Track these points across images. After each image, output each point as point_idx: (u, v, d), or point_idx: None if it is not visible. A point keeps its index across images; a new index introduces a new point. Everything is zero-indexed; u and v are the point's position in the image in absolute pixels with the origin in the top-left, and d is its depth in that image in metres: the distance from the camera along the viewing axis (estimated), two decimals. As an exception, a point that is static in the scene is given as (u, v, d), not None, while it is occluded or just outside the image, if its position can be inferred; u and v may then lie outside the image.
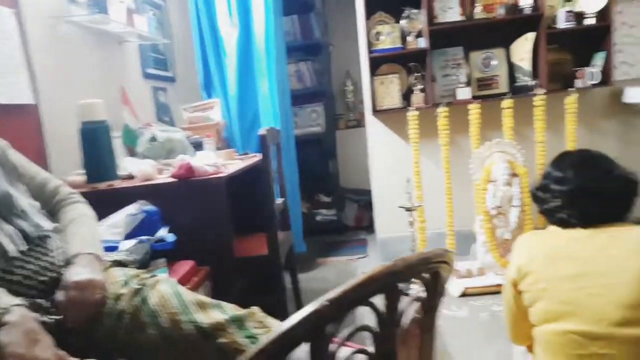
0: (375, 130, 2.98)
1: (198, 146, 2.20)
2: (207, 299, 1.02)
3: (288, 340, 0.51)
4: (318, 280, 2.91)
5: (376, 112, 2.77)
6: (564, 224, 1.27)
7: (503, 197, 2.47)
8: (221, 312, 0.99)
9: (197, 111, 2.52)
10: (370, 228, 3.23)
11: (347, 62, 3.94)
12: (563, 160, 1.35)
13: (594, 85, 2.59)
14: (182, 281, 1.38)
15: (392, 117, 2.89)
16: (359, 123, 3.93)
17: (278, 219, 2.01)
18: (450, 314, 2.23)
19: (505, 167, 2.45)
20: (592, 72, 2.57)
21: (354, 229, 3.86)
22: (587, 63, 2.64)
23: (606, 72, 2.56)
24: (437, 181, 2.77)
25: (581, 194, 1.23)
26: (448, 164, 2.68)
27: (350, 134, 4.03)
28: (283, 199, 2.26)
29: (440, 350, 1.89)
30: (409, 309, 0.68)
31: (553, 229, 1.32)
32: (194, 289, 1.42)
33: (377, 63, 2.75)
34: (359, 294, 0.58)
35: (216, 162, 1.74)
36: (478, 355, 1.82)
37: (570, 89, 2.55)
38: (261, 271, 1.91)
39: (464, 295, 2.38)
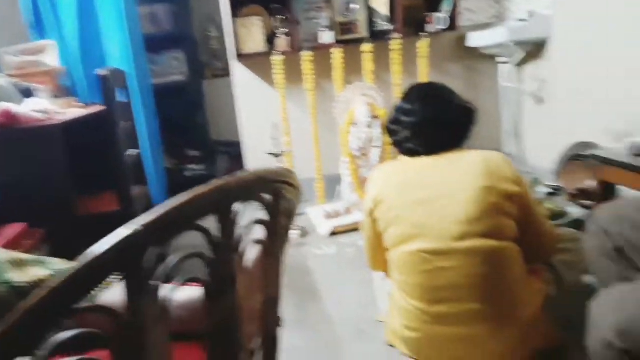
0: (241, 76, 2.86)
1: (28, 94, 1.88)
2: (27, 256, 0.88)
3: (90, 275, 0.44)
4: (184, 236, 2.80)
5: (240, 56, 2.65)
6: (412, 153, 1.36)
7: (365, 138, 2.58)
8: (44, 267, 0.86)
9: (25, 55, 2.14)
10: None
11: (209, 6, 3.67)
12: (411, 93, 1.42)
13: (443, 30, 2.78)
14: (11, 245, 1.19)
15: (258, 63, 2.80)
16: (227, 72, 3.74)
17: (131, 173, 1.84)
18: (320, 252, 2.31)
19: (367, 109, 2.55)
20: (440, 18, 2.74)
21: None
22: (436, 9, 2.81)
23: (453, 17, 2.75)
24: (305, 127, 2.79)
25: (427, 124, 1.31)
26: (314, 109, 2.71)
27: (218, 83, 3.83)
28: (137, 150, 2.07)
29: (310, 288, 1.95)
30: (248, 233, 0.65)
31: (403, 158, 1.40)
32: (28, 252, 1.24)
33: (238, 4, 2.60)
34: (184, 216, 0.52)
35: (47, 109, 1.50)
36: (344, 287, 1.92)
37: (422, 34, 2.70)
38: (113, 230, 1.73)
39: (333, 234, 2.48)
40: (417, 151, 1.34)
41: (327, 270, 2.11)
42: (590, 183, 2.11)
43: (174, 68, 3.51)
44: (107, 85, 1.65)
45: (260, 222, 0.65)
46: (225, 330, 0.61)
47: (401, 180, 1.32)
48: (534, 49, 2.66)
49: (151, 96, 2.73)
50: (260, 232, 0.68)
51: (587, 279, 1.33)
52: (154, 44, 3.28)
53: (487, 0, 2.95)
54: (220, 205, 0.56)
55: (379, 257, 1.45)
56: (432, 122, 1.31)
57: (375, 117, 2.59)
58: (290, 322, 1.68)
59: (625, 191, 1.76)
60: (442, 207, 1.22)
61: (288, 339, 1.56)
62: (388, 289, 1.47)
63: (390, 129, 1.41)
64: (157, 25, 3.42)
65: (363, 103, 2.56)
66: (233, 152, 3.73)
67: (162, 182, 2.85)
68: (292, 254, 2.32)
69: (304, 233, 2.57)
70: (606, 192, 1.78)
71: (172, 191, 2.94)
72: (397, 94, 2.74)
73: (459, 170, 1.26)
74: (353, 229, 2.47)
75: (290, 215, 0.75)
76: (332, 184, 2.84)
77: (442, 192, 1.24)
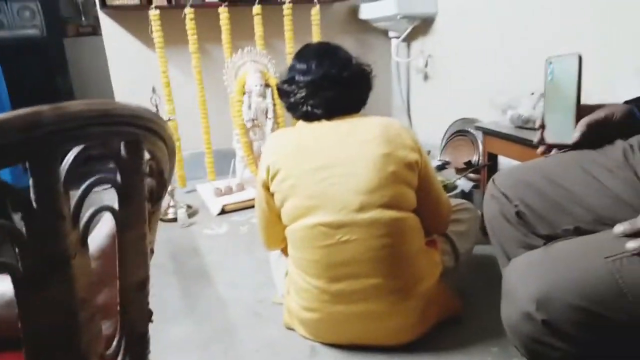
0: (111, 34, 2.48)
1: None
2: None
3: None
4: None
5: (107, 7, 2.28)
6: (309, 116, 1.24)
7: (257, 108, 2.41)
8: None
9: None
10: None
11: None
12: (306, 51, 1.31)
13: (334, 0, 2.68)
14: None
15: (131, 17, 2.44)
16: (95, 30, 3.26)
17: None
18: (210, 232, 2.12)
19: (259, 77, 2.37)
20: (333, -15, 2.64)
21: (101, 158, 3.32)
22: (329, -25, 2.70)
23: (344, -15, 2.67)
24: (191, 94, 2.52)
25: (324, 82, 1.21)
26: (200, 74, 2.45)
27: (84, 42, 3.33)
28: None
29: (199, 271, 1.77)
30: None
31: (299, 123, 1.28)
32: None
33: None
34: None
35: None
36: (238, 268, 1.77)
37: (315, 1, 2.58)
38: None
39: (224, 212, 2.30)
40: (314, 114, 1.23)
41: (218, 251, 1.93)
42: (473, 156, 2.22)
43: (25, 20, 2.94)
44: None
45: (106, 181, 0.47)
46: (53, 334, 0.43)
47: (297, 146, 1.20)
48: (422, 24, 2.70)
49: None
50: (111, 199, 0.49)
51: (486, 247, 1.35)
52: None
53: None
54: (30, 149, 0.37)
55: (274, 234, 1.33)
56: (330, 80, 1.20)
57: (267, 85, 2.42)
58: (177, 311, 1.50)
59: (507, 162, 1.86)
60: (340, 176, 1.13)
61: (176, 330, 1.39)
62: (285, 268, 1.36)
63: (284, 89, 1.28)
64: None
65: (255, 70, 2.38)
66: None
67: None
68: (179, 235, 2.10)
69: (194, 212, 2.35)
70: (492, 162, 1.86)
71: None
72: (290, 62, 2.60)
73: (357, 136, 1.18)
74: (246, 206, 2.31)
75: (159, 175, 0.58)
76: (224, 159, 2.63)
77: (341, 159, 1.15)
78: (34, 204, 0.40)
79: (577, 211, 0.85)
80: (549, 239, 0.88)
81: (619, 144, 0.88)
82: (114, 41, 2.49)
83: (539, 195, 0.89)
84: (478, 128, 1.86)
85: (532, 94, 1.67)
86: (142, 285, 0.59)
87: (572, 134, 0.85)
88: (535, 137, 0.93)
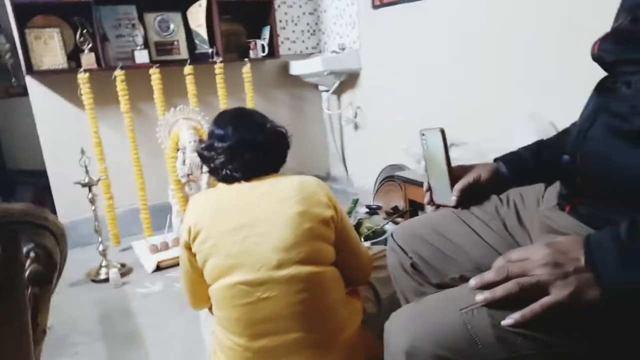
0: (40, 96, 2.47)
1: None
2: None
3: None
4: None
5: (34, 73, 2.28)
6: (229, 179, 1.30)
7: (192, 163, 2.45)
8: None
9: None
10: (54, 213, 2.72)
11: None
12: (222, 118, 1.38)
13: (265, 57, 2.83)
14: None
15: (60, 81, 2.45)
16: (26, 91, 3.21)
17: None
18: (144, 291, 2.09)
19: (192, 133, 2.42)
20: (262, 44, 2.80)
21: None
22: (258, 35, 2.86)
23: (273, 45, 2.83)
24: (124, 152, 2.53)
25: (241, 147, 1.27)
26: (133, 132, 2.48)
27: (15, 103, 3.26)
28: None
29: (130, 333, 1.73)
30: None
31: (220, 185, 1.33)
32: None
33: (28, 12, 2.24)
34: None
35: None
36: (170, 327, 1.75)
37: (246, 59, 2.71)
38: None
39: (159, 269, 2.27)
40: (233, 177, 1.29)
41: (151, 310, 1.91)
42: (401, 202, 2.35)
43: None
44: None
45: None
46: None
47: (217, 207, 1.25)
48: (348, 79, 2.89)
49: None
50: None
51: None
52: None
53: (305, 33, 3.12)
54: None
55: (199, 293, 1.34)
56: (246, 144, 1.27)
57: (201, 141, 2.47)
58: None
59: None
60: (259, 235, 1.18)
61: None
62: (212, 326, 1.37)
63: (205, 155, 1.34)
64: None
65: (188, 127, 2.43)
66: (39, 183, 3.19)
67: None
68: (111, 296, 2.05)
69: (127, 270, 2.30)
70: (413, 209, 1.99)
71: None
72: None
73: (274, 196, 1.24)
74: (181, 261, 2.29)
75: (47, 259, 0.61)
76: (161, 213, 2.62)
77: (259, 219, 1.20)
78: None
79: (461, 261, 0.95)
80: (440, 287, 0.97)
81: (494, 198, 1.00)
82: (42, 103, 2.47)
83: (429, 247, 0.99)
84: (398, 177, 1.99)
85: (441, 144, 1.82)
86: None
87: (451, 198, 0.96)
88: (425, 198, 1.04)
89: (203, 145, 1.36)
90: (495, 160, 1.02)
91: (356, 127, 3.01)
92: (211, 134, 1.35)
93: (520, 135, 1.70)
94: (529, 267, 0.64)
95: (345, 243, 1.30)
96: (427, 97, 2.37)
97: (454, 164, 0.98)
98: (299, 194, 1.22)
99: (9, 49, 3.19)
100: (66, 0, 2.24)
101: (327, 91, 2.96)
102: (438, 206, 1.04)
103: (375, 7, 2.60)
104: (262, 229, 1.18)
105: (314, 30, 3.13)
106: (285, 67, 3.04)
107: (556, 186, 0.89)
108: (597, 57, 0.76)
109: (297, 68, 2.93)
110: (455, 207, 0.97)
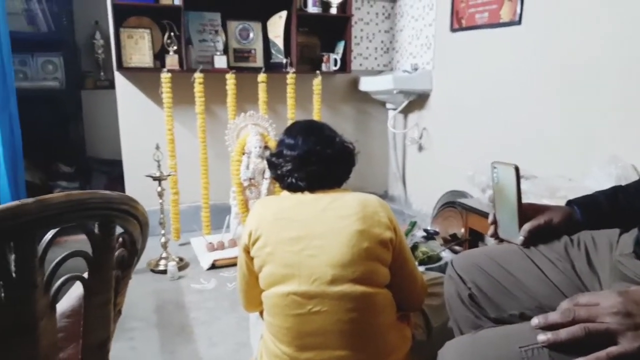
0: (124, 91, 2.66)
1: None
2: None
3: None
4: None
5: (123, 69, 2.46)
6: (293, 188, 1.32)
7: (255, 169, 2.52)
8: None
9: None
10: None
11: (95, 11, 3.41)
12: (294, 128, 1.41)
13: (336, 71, 2.87)
14: None
15: (144, 78, 2.62)
16: (112, 84, 3.46)
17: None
18: (199, 286, 2.17)
19: (259, 139, 2.50)
20: (335, 59, 2.84)
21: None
22: (332, 49, 2.91)
23: (346, 60, 2.87)
24: (193, 151, 2.66)
25: (308, 157, 1.30)
26: (204, 133, 2.60)
27: (100, 95, 3.53)
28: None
29: (182, 326, 1.80)
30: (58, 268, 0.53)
31: (284, 194, 1.36)
32: None
33: (125, 13, 2.43)
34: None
35: None
36: (220, 325, 1.80)
37: (317, 72, 2.77)
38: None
39: (214, 267, 2.35)
40: (298, 186, 1.31)
41: (203, 306, 1.97)
42: (460, 229, 2.28)
43: (47, 73, 3.16)
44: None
45: (79, 254, 0.55)
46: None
47: (279, 215, 1.27)
48: (417, 99, 2.86)
49: (14, 101, 2.40)
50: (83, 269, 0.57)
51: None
52: (27, 44, 2.94)
53: (378, 50, 3.13)
54: (15, 232, 0.46)
55: (253, 297, 1.37)
56: (314, 156, 1.30)
57: (267, 147, 2.55)
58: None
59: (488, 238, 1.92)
60: (316, 248, 1.18)
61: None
62: (261, 331, 1.40)
63: (273, 162, 1.37)
64: (34, 24, 3.07)
65: (255, 133, 2.52)
66: (113, 172, 3.42)
67: (20, 197, 2.49)
68: (167, 288, 2.14)
69: (184, 265, 2.40)
70: (472, 238, 1.92)
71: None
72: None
73: (335, 211, 1.24)
74: (236, 263, 2.35)
75: (132, 245, 0.66)
76: (220, 213, 2.72)
77: (317, 232, 1.20)
78: (14, 275, 0.48)
79: (522, 297, 0.91)
80: (497, 322, 0.93)
81: (564, 238, 0.95)
82: (126, 97, 2.66)
83: (489, 280, 0.95)
84: (460, 204, 1.94)
85: (510, 175, 1.76)
86: (103, 345, 0.65)
87: (518, 236, 0.92)
88: (489, 230, 1.00)
89: (272, 152, 1.40)
90: (569, 202, 0.96)
91: (420, 148, 2.97)
92: (281, 142, 1.38)
93: (598, 177, 1.61)
94: (598, 313, 0.61)
95: (402, 266, 1.27)
96: (498, 127, 2.30)
97: (523, 198, 0.94)
98: (360, 212, 1.21)
99: (102, 45, 3.46)
100: (161, 4, 2.40)
101: (394, 109, 2.95)
102: (502, 240, 1.00)
103: (453, 30, 2.57)
104: (320, 242, 1.18)
105: (388, 49, 3.15)
106: (355, 82, 3.07)
107: (633, 233, 0.83)
108: None
109: (366, 84, 2.94)
110: (522, 246, 0.93)
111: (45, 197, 0.48)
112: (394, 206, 3.20)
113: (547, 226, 0.91)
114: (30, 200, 0.46)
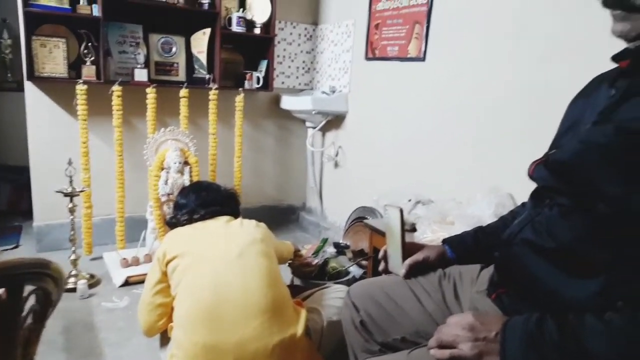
0: (35, 99, 2.53)
1: None
2: None
3: None
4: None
5: (34, 78, 2.36)
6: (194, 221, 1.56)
7: (174, 184, 2.52)
8: None
9: None
10: (30, 213, 2.76)
11: (4, 9, 3.20)
12: (184, 190, 1.74)
13: (258, 89, 2.96)
14: None
15: (57, 88, 2.52)
16: (21, 87, 3.26)
17: None
18: (110, 305, 2.14)
19: (178, 155, 2.51)
20: (258, 77, 2.93)
21: (6, 214, 3.22)
22: (256, 67, 2.99)
23: (268, 78, 2.96)
24: (108, 164, 2.60)
25: (201, 205, 1.58)
26: (121, 146, 2.55)
27: (8, 98, 3.32)
28: None
29: (90, 349, 1.78)
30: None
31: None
32: None
33: (38, 20, 2.33)
34: None
35: None
36: (130, 346, 1.81)
37: (240, 89, 2.83)
38: None
39: (127, 284, 2.33)
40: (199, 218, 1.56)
41: (115, 326, 1.96)
42: (367, 245, 2.47)
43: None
44: None
45: None
46: None
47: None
48: (335, 119, 3.03)
49: None
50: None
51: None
52: None
53: (300, 69, 3.27)
54: None
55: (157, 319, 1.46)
56: (206, 203, 1.58)
57: (186, 163, 2.57)
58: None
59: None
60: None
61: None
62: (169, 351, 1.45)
63: (173, 222, 1.62)
64: None
65: (175, 148, 2.52)
66: (19, 180, 3.22)
67: None
68: (76, 307, 2.09)
69: (96, 282, 2.35)
70: (376, 255, 2.10)
71: None
72: (211, 141, 2.78)
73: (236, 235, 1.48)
74: (150, 278, 2.35)
75: (45, 301, 0.70)
76: (136, 226, 2.68)
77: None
78: None
79: (404, 324, 1.07)
80: (383, 345, 1.08)
81: (439, 271, 1.13)
82: (36, 107, 2.53)
83: (378, 307, 1.10)
84: (365, 223, 2.11)
85: (409, 200, 1.96)
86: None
87: (401, 269, 1.09)
88: (380, 265, 1.17)
89: (171, 216, 1.71)
90: (443, 241, 1.15)
91: (336, 165, 3.14)
92: (176, 205, 1.68)
93: (480, 204, 1.85)
94: (449, 327, 0.79)
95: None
96: (404, 150, 2.52)
97: (418, 222, 1.11)
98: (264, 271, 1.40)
99: (10, 45, 3.25)
100: (78, 14, 2.33)
101: (313, 128, 3.09)
102: (390, 272, 1.16)
103: (368, 58, 2.76)
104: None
105: (309, 69, 3.29)
106: (276, 100, 3.17)
107: (490, 270, 1.02)
108: (532, 178, 0.90)
109: (287, 103, 3.06)
110: (404, 278, 1.09)
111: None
112: (310, 218, 3.34)
113: (424, 262, 1.09)
114: None
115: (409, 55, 2.46)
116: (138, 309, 1.48)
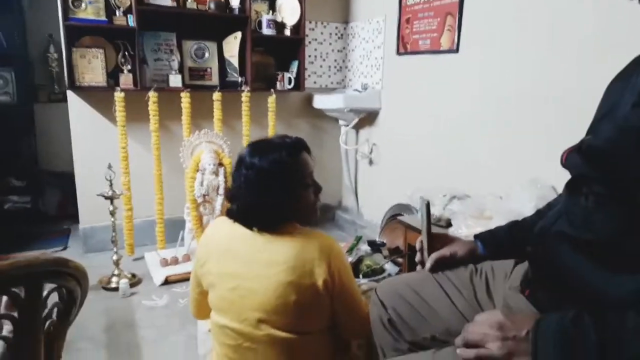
0: (78, 107, 2.65)
1: None
2: None
3: None
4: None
5: (75, 88, 2.47)
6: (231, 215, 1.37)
7: (209, 185, 2.58)
8: None
9: None
10: (77, 217, 2.91)
11: (49, 25, 3.36)
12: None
13: (290, 89, 2.97)
14: None
15: (97, 96, 2.63)
16: (66, 97, 3.43)
17: None
18: (150, 303, 2.20)
19: (213, 156, 2.56)
20: (289, 77, 2.94)
21: (56, 218, 3.39)
22: (287, 68, 3.00)
23: (300, 79, 2.97)
24: (147, 167, 2.68)
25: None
26: (158, 150, 2.63)
27: (54, 108, 3.48)
28: None
29: (131, 345, 1.84)
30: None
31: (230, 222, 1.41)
32: None
33: (78, 33, 2.44)
34: None
35: None
36: (169, 343, 1.85)
37: (272, 90, 2.85)
38: None
39: (167, 283, 2.39)
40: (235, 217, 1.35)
41: (154, 323, 2.01)
42: (402, 243, 2.42)
43: (-1, 88, 3.11)
44: None
45: (4, 317, 0.61)
46: None
47: (226, 245, 1.27)
48: (368, 116, 3.00)
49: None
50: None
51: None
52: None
53: (332, 68, 3.25)
54: None
55: (203, 307, 1.43)
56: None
57: (220, 164, 2.61)
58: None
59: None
60: (246, 289, 1.20)
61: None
62: (209, 345, 1.46)
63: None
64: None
65: (209, 150, 2.57)
66: (66, 185, 3.38)
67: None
68: (118, 306, 2.17)
69: (137, 281, 2.43)
70: (412, 252, 2.05)
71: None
72: (246, 143, 2.81)
73: (267, 254, 1.21)
74: (188, 278, 2.40)
75: (70, 309, 0.71)
76: (174, 228, 2.76)
77: (251, 273, 1.20)
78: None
79: (433, 322, 1.03)
80: (412, 344, 1.05)
81: (470, 266, 1.08)
82: (79, 115, 2.65)
83: (407, 305, 1.06)
84: (400, 221, 2.07)
85: (444, 195, 1.90)
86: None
87: (427, 263, 1.05)
88: (417, 256, 1.13)
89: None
90: (475, 236, 1.10)
91: (370, 162, 3.10)
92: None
93: (521, 197, 1.76)
94: (476, 326, 0.74)
95: (344, 305, 1.23)
96: (439, 145, 2.45)
97: (453, 217, 1.07)
98: (290, 261, 1.17)
99: (56, 58, 3.42)
100: (115, 25, 2.42)
101: (346, 126, 3.07)
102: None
103: (399, 53, 2.71)
104: (250, 285, 1.19)
105: (340, 67, 3.27)
106: (309, 99, 3.17)
107: (525, 265, 0.97)
108: (564, 166, 0.84)
109: (320, 102, 3.05)
110: (429, 271, 1.06)
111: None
112: (346, 216, 3.32)
113: (451, 258, 1.05)
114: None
115: (441, 48, 2.40)
116: (190, 296, 1.48)
